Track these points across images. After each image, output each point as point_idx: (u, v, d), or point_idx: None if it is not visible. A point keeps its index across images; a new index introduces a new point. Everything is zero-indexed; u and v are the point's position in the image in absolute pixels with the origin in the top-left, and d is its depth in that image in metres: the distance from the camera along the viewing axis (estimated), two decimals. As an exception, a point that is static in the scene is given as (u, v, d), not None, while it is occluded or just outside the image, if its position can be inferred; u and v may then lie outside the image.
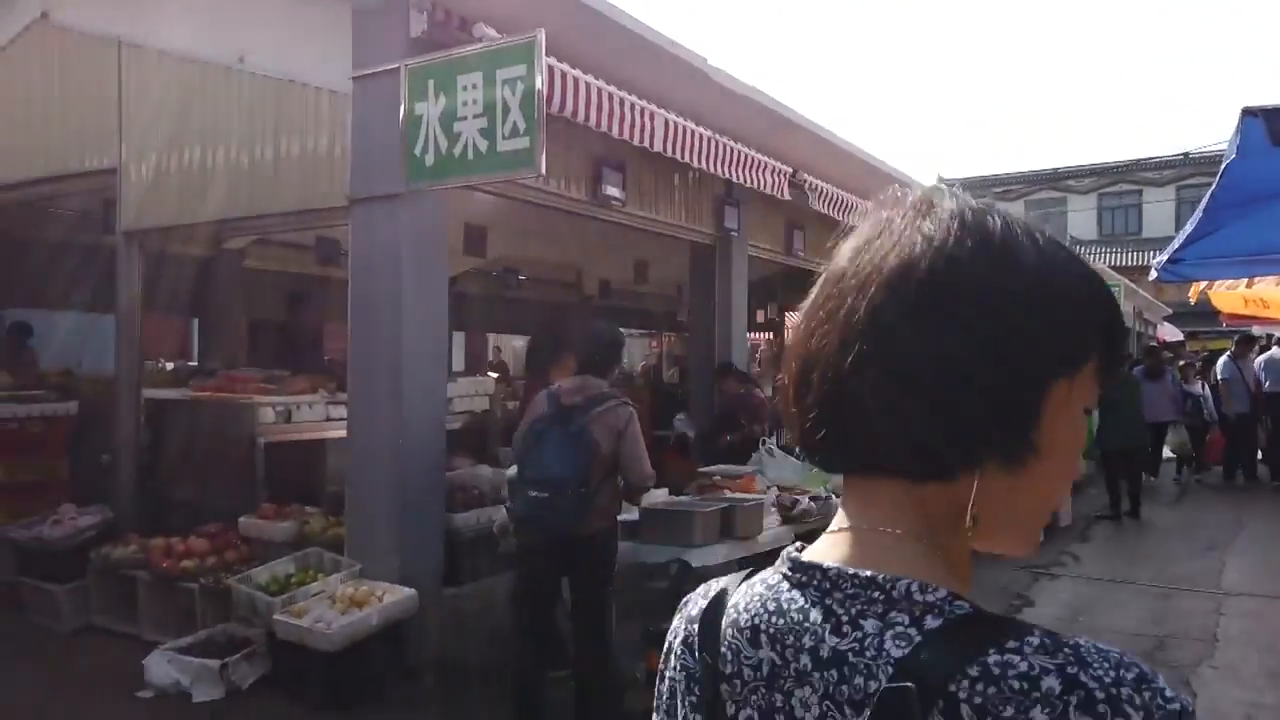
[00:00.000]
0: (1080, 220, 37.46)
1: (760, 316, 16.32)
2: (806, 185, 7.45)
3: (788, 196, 7.11)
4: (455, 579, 4.99)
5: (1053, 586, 6.73)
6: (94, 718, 4.30)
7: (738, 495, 4.69)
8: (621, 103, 5.01)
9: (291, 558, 4.91)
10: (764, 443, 5.92)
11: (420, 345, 4.78)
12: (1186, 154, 37.16)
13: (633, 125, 5.10)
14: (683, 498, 4.79)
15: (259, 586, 4.67)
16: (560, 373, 4.81)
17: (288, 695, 4.39)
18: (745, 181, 6.59)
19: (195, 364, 8.53)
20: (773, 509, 4.69)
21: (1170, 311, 29.65)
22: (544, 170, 4.32)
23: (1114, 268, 24.12)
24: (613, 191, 6.21)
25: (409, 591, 4.51)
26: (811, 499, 4.99)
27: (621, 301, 15.10)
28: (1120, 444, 9.68)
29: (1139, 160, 37.34)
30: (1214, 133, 47.59)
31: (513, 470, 4.21)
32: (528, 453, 3.86)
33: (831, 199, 7.81)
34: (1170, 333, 29.38)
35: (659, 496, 4.70)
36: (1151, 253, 34.40)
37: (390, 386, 4.70)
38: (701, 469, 5.69)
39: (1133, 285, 23.78)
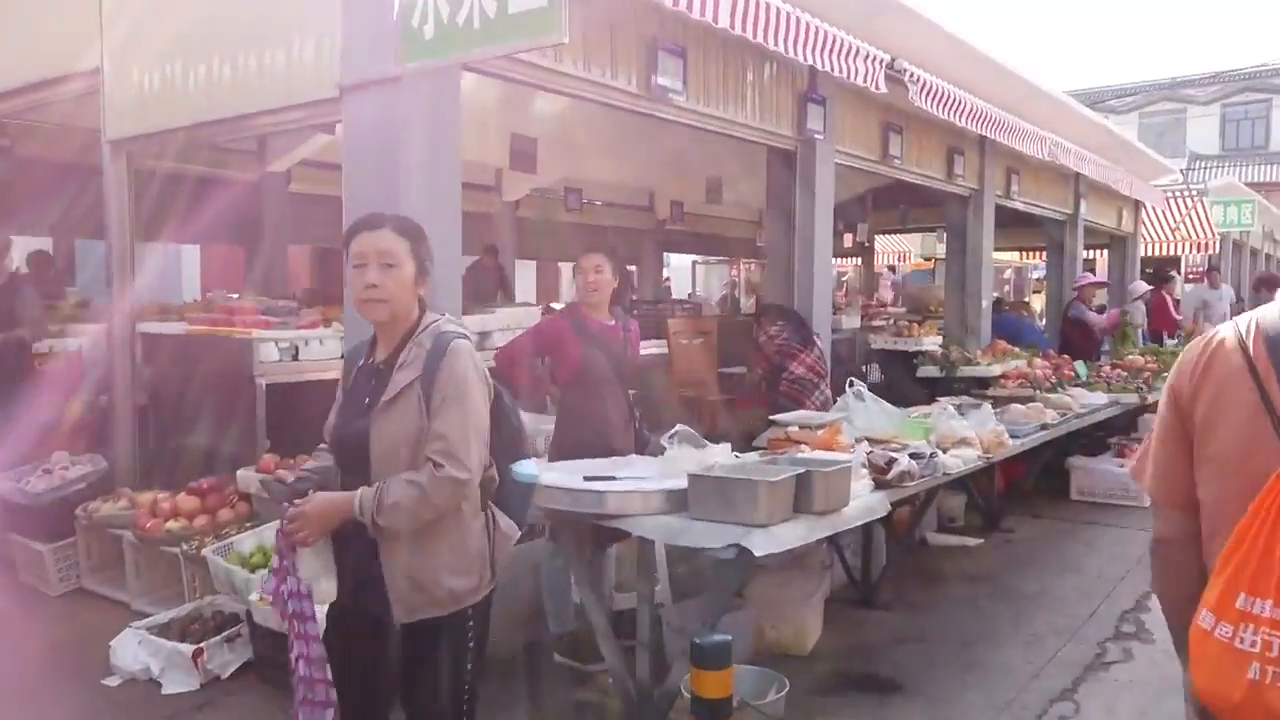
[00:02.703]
0: (1201, 134, 34.57)
1: (848, 240, 15.05)
2: (907, 76, 6.24)
3: (883, 89, 5.92)
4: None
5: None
6: (46, 709, 3.64)
7: (817, 455, 3.72)
8: (675, -41, 3.95)
9: (285, 521, 4.16)
10: (851, 383, 4.89)
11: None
12: (1325, 58, 33.90)
13: (692, -6, 4.04)
14: (747, 457, 3.84)
15: (240, 558, 3.93)
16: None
17: (270, 688, 3.66)
18: (833, 70, 5.45)
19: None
20: (863, 470, 3.71)
21: (1303, 231, 27.08)
22: (567, 36, 3.35)
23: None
24: (669, 83, 5.15)
25: (413, 567, 3.70)
26: (912, 455, 3.98)
27: (696, 226, 14.04)
28: None
29: (1267, 66, 34.07)
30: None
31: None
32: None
33: (938, 94, 6.56)
34: (1300, 255, 26.83)
35: (717, 454, 3.77)
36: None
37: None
38: (773, 417, 4.71)
39: (1265, 203, 21.56)
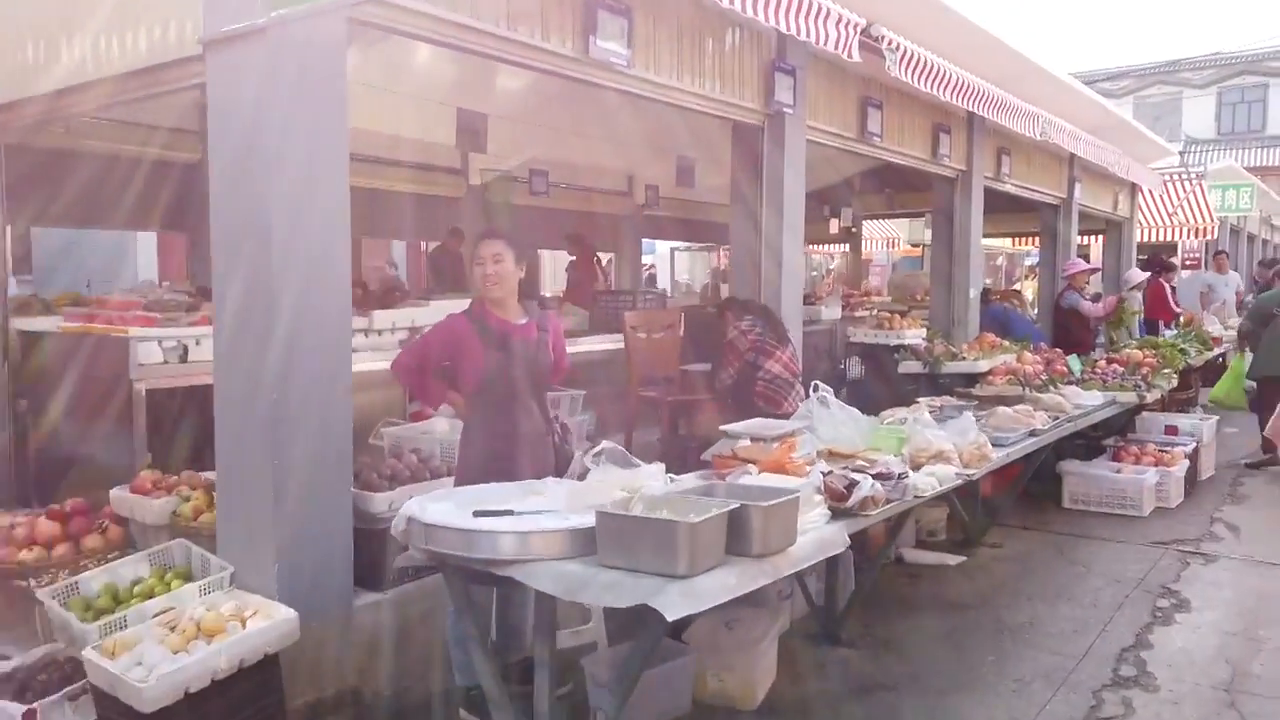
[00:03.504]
0: (1197, 117, 34.01)
1: (833, 226, 14.44)
2: (885, 43, 5.64)
3: (857, 58, 5.32)
4: (373, 582, 3.59)
5: (1209, 575, 5.03)
6: None
7: (761, 481, 3.13)
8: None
9: (147, 553, 3.56)
10: (816, 387, 4.30)
11: (305, 248, 3.28)
12: (1323, 40, 33.30)
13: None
14: (684, 480, 3.25)
15: (83, 602, 3.34)
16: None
17: (113, 759, 3.07)
18: (800, 33, 4.85)
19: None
20: (818, 496, 3.13)
21: (1301, 216, 26.55)
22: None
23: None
24: (611, 47, 4.55)
25: (285, 615, 3.11)
26: (878, 476, 3.40)
27: (675, 211, 13.41)
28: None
29: (1264, 49, 33.47)
30: (1355, 15, 42.50)
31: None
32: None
33: (919, 64, 5.98)
34: (1298, 241, 26.39)
35: (647, 478, 3.18)
36: (1278, 151, 31.05)
37: (263, 303, 3.23)
38: (724, 427, 4.12)
39: (1264, 186, 21.00)
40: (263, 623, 3.09)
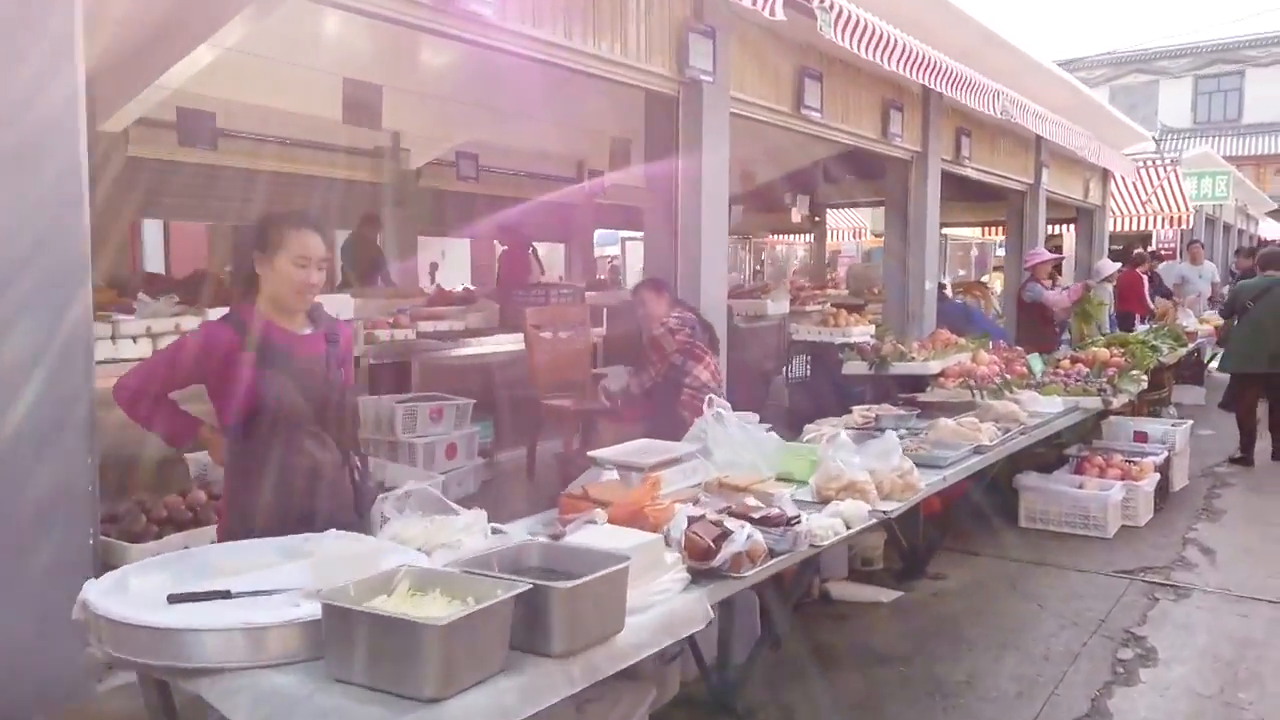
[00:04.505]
0: (1173, 106, 33.61)
1: (795, 216, 13.72)
2: (817, 1, 4.91)
3: (781, 16, 4.58)
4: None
5: (1179, 614, 4.35)
6: None
7: (598, 537, 2.40)
8: None
9: None
10: (710, 402, 3.58)
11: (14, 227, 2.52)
12: (1299, 28, 32.82)
13: None
14: (496, 540, 2.51)
15: None
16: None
17: None
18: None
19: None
20: (672, 555, 2.41)
21: (1275, 206, 26.11)
22: None
23: (1220, 154, 20.69)
24: (476, -9, 3.80)
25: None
26: (762, 521, 2.68)
27: (623, 198, 12.62)
28: (1259, 367, 7.27)
29: (1240, 37, 33.08)
30: (1331, 4, 42.28)
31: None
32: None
33: (859, 29, 5.25)
34: (1273, 230, 26.05)
35: (460, 531, 2.45)
36: (1254, 140, 30.66)
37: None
38: (593, 453, 3.37)
39: (1240, 175, 20.49)
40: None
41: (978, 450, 4.27)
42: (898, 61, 5.78)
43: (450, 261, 16.91)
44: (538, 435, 5.58)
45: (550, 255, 14.26)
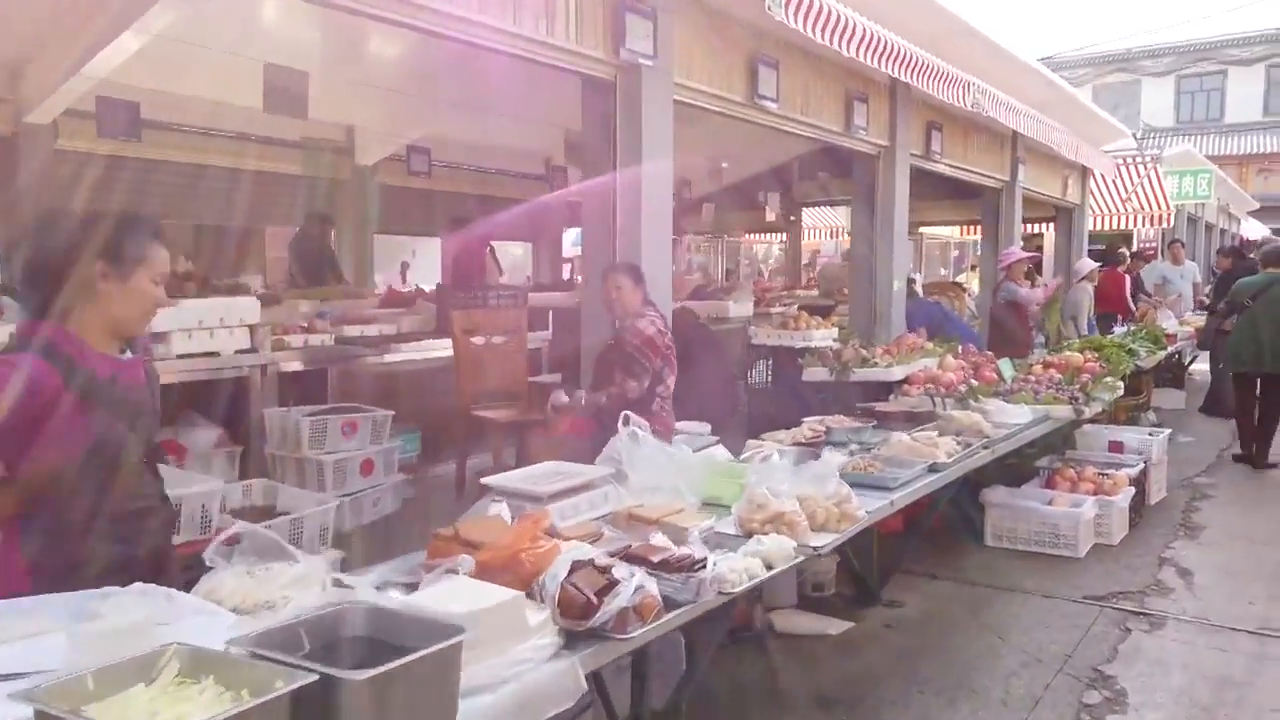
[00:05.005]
0: (1155, 106, 33.52)
1: (770, 215, 13.34)
2: (766, -20, 4.53)
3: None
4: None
5: (1153, 648, 3.98)
6: None
7: (448, 593, 1.99)
8: None
9: None
10: (626, 420, 3.18)
11: None
12: (1281, 28, 32.70)
13: None
14: (333, 596, 2.10)
15: None
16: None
17: None
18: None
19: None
20: (540, 614, 2.01)
21: (1258, 206, 25.93)
22: None
23: (1202, 152, 20.42)
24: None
25: None
26: (660, 566, 2.29)
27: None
28: (1260, 366, 7.00)
29: (1223, 37, 32.96)
30: (1313, 4, 42.26)
31: None
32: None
33: (813, 11, 4.88)
34: (1255, 230, 25.86)
35: (290, 583, 2.04)
36: (1236, 140, 30.51)
37: None
38: (487, 480, 2.96)
39: (1222, 174, 20.23)
40: None
41: (932, 469, 3.89)
42: (858, 48, 5.41)
43: (423, 261, 16.47)
44: (468, 449, 5.17)
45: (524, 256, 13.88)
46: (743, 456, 3.77)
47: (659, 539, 2.54)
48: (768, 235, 18.46)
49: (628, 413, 3.19)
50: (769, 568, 2.62)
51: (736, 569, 2.46)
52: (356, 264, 10.36)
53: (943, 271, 21.69)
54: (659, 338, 4.34)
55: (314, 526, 3.55)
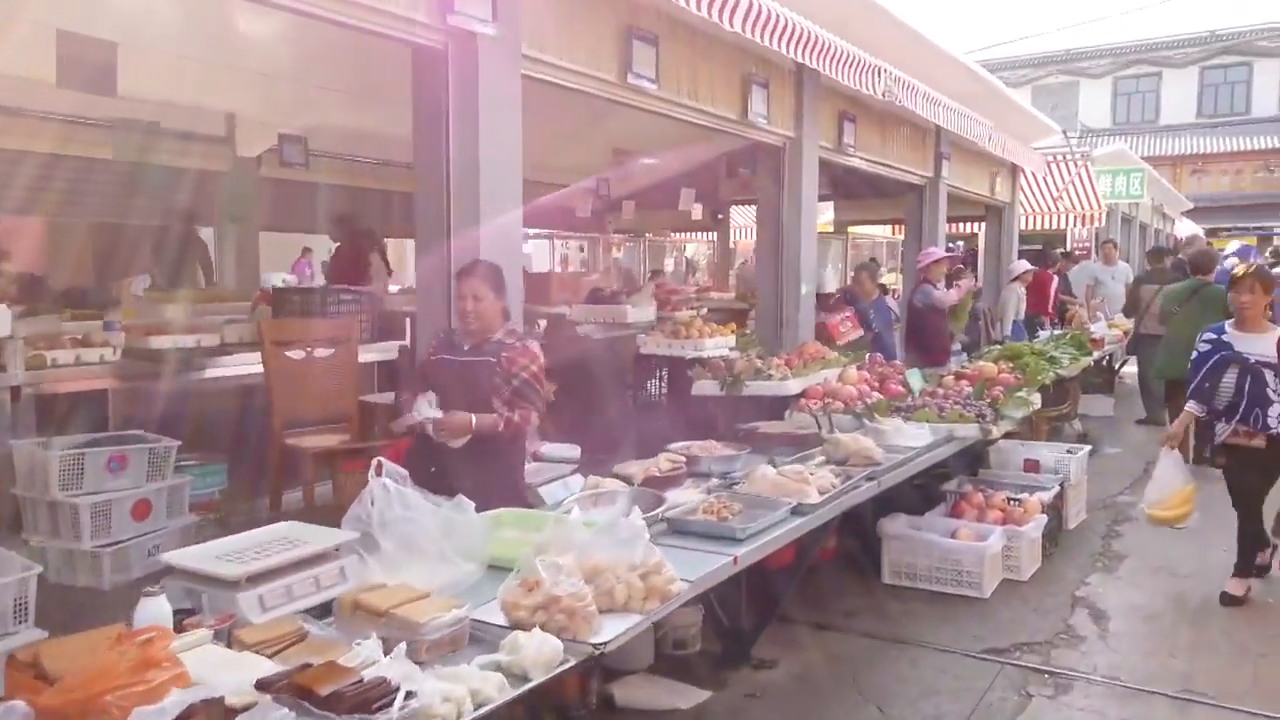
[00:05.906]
0: (1093, 107, 33.75)
1: (697, 213, 12.71)
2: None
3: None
4: None
5: (1056, 719, 3.39)
6: None
7: None
8: None
9: None
10: (379, 465, 2.48)
11: None
12: (1213, 32, 32.95)
13: None
14: None
15: None
16: None
17: None
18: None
19: None
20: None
21: (1191, 206, 26.01)
22: None
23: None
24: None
25: None
26: (331, 704, 1.61)
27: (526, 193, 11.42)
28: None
29: (1158, 40, 33.19)
30: (1244, 7, 42.99)
31: None
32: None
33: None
34: (1188, 230, 25.93)
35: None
36: (1170, 141, 30.69)
37: None
38: (167, 557, 2.25)
39: (1155, 174, 20.10)
40: None
41: (796, 511, 3.25)
42: (751, 26, 4.81)
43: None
44: (282, 484, 4.42)
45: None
46: (563, 499, 3.11)
47: (365, 648, 1.85)
48: (698, 235, 17.88)
49: (380, 459, 2.49)
50: (525, 680, 1.95)
51: (454, 697, 1.77)
52: (239, 263, 9.55)
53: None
54: (538, 359, 3.55)
55: (5, 600, 2.80)
